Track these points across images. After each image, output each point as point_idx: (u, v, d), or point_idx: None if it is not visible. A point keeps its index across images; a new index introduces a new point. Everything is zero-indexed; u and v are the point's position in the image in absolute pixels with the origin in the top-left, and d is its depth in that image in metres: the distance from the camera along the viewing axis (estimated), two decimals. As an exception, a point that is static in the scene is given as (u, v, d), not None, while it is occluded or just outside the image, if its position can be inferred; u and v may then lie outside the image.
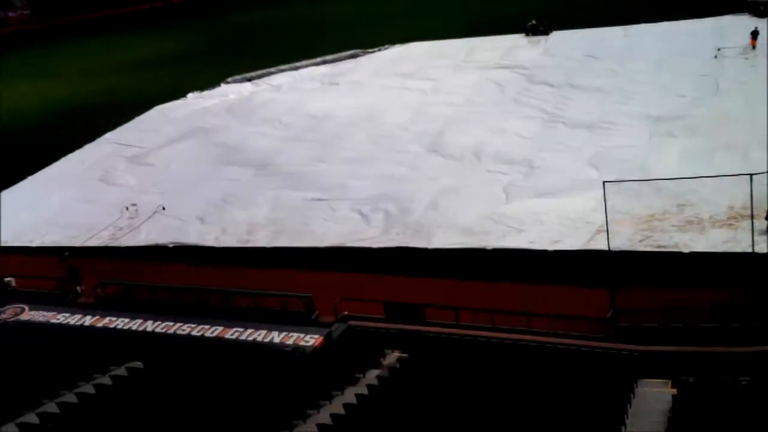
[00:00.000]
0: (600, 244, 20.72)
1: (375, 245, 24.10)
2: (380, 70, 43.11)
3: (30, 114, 44.80)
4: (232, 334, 20.14)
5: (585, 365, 17.04)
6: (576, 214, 23.62)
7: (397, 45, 47.65)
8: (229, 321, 20.44)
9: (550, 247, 22.23)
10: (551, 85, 35.99)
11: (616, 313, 18.22)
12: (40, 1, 78.60)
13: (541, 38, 44.31)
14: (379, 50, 47.14)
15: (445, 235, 23.97)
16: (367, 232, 25.02)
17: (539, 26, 44.88)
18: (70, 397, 17.32)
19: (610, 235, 19.51)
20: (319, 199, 27.67)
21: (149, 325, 21.06)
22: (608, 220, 19.43)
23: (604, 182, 19.45)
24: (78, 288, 23.46)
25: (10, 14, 76.10)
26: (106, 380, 18.31)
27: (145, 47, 59.13)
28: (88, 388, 17.73)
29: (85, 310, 21.99)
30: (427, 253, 23.31)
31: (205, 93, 42.93)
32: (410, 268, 22.65)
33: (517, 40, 44.73)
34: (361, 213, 26.25)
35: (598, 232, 21.55)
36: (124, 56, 56.89)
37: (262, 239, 25.47)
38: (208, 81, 44.41)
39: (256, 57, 49.59)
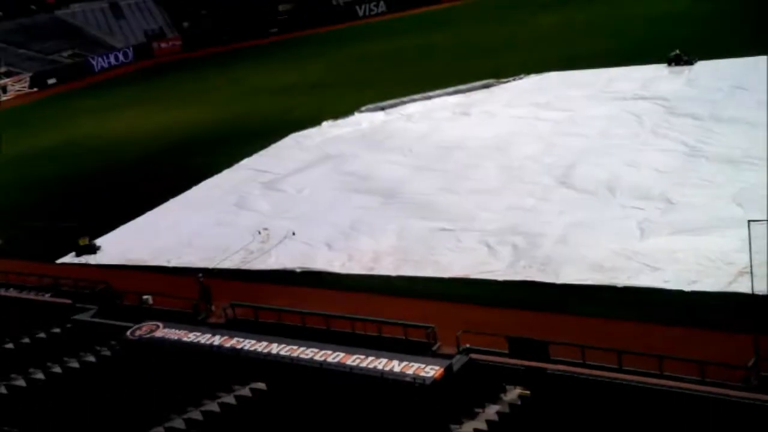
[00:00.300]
0: (742, 287, 19.43)
1: (500, 278, 23.68)
2: (513, 101, 42.59)
3: (177, 137, 47.07)
4: (353, 360, 20.10)
5: (722, 416, 15.92)
6: (716, 254, 22.32)
7: (532, 75, 46.88)
8: (352, 347, 20.48)
9: (687, 288, 21.11)
10: (694, 117, 34.36)
11: (758, 361, 16.97)
12: (190, 33, 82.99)
13: (685, 68, 42.48)
14: (514, 80, 46.55)
15: (573, 271, 23.22)
16: (493, 264, 24.60)
17: (683, 56, 43.07)
18: (196, 414, 17.84)
19: (754, 278, 18.22)
20: (446, 230, 27.49)
21: (274, 348, 21.33)
22: (753, 261, 18.16)
23: (749, 221, 18.21)
24: (210, 307, 24.22)
25: (162, 45, 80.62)
26: (230, 399, 18.76)
27: (283, 75, 61.04)
28: (213, 407, 18.21)
29: (215, 330, 22.58)
30: (554, 288, 22.69)
31: (339, 121, 43.77)
32: (536, 303, 22.13)
33: (658, 70, 43.07)
34: (487, 245, 25.85)
35: (741, 273, 20.26)
36: (264, 83, 58.89)
37: (387, 267, 25.54)
38: (343, 109, 45.23)
39: (389, 85, 50.22)
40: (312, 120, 44.10)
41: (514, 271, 23.91)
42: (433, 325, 20.59)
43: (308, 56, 68.71)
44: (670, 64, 43.23)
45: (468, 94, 45.46)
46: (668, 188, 27.62)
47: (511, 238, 25.91)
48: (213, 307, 24.18)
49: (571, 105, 39.48)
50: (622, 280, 22.22)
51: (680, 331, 19.52)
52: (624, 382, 17.57)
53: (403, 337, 20.80)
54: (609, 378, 17.73)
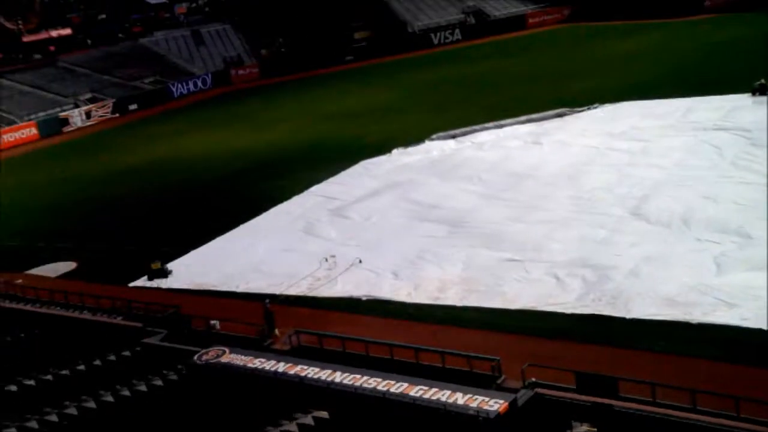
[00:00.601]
0: (825, 327, 18.59)
1: (569, 311, 23.14)
2: (587, 130, 41.86)
3: (249, 162, 48.00)
4: (417, 391, 19.84)
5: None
6: (798, 291, 21.38)
7: (606, 104, 46.09)
8: (415, 377, 20.25)
9: (767, 327, 20.20)
10: (777, 150, 33.16)
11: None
12: (268, 60, 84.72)
13: (771, 98, 40.97)
14: (588, 109, 45.85)
15: (645, 305, 22.53)
16: (562, 296, 24.07)
17: (768, 85, 41.61)
18: (258, 441, 17.87)
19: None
20: (513, 260, 27.08)
21: (338, 376, 21.21)
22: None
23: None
24: (275, 332, 24.33)
25: (240, 71, 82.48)
26: (293, 427, 18.75)
27: (357, 101, 61.72)
28: (275, 434, 18.22)
29: (280, 356, 22.62)
30: (625, 322, 22.05)
31: (410, 149, 43.81)
32: (606, 338, 21.53)
33: (741, 100, 41.55)
34: (556, 276, 25.35)
35: (824, 313, 19.35)
36: (337, 109, 59.62)
37: (453, 297, 25.28)
38: (414, 136, 45.30)
39: (462, 112, 50.20)
40: (382, 147, 44.34)
41: (583, 304, 23.34)
42: (498, 358, 20.20)
43: (382, 83, 69.38)
44: (754, 94, 41.71)
45: (540, 123, 44.99)
46: (747, 222, 26.59)
47: (580, 270, 25.35)
48: (277, 332, 24.27)
49: (646, 135, 38.55)
50: (696, 316, 21.45)
51: (759, 372, 18.66)
52: (697, 423, 16.86)
53: (468, 369, 20.45)
54: (681, 418, 17.02)
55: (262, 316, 24.44)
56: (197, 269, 31.16)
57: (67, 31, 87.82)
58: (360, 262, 28.92)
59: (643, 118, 41.68)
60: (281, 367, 22.03)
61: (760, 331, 20.23)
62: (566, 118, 45.19)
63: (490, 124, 45.57)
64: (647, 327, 21.67)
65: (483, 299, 24.76)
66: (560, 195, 32.66)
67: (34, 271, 33.80)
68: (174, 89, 78.68)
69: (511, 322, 23.22)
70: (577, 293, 24.04)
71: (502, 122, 45.67)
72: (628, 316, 22.22)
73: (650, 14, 72.89)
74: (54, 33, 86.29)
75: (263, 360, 22.46)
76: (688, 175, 32.39)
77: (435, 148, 43.48)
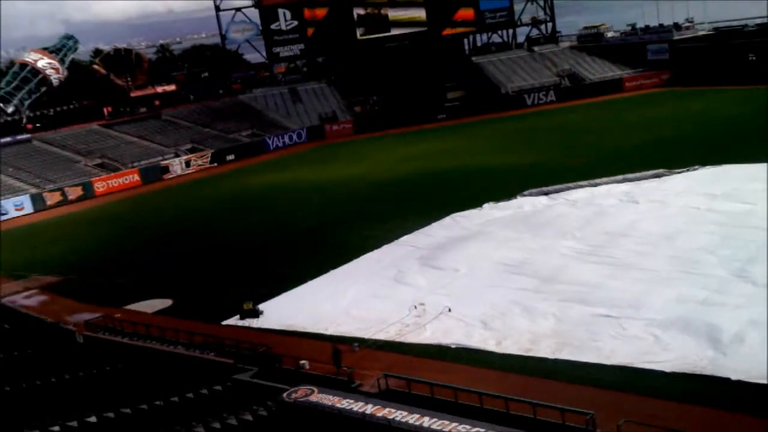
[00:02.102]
0: None
1: (668, 369, 22.27)
2: (686, 191, 40.67)
3: (343, 211, 48.89)
4: (507, 440, 19.38)
5: None
6: None
7: (708, 166, 44.81)
8: (506, 427, 19.76)
9: None
10: None
11: None
12: (361, 116, 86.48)
13: None
14: (687, 170, 44.74)
15: (751, 368, 21.47)
16: (660, 355, 23.20)
17: None
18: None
19: None
20: (609, 316, 26.34)
21: (426, 421, 20.90)
22: None
23: None
24: (345, 369, 24.31)
25: (334, 127, 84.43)
26: (379, 469, 18.49)
27: (448, 158, 62.11)
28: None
29: (368, 398, 22.48)
30: (728, 384, 21.07)
31: (501, 204, 43.59)
32: (706, 399, 20.60)
33: None
34: (654, 334, 24.50)
35: None
36: (428, 164, 60.10)
37: (545, 350, 24.70)
38: (504, 192, 45.13)
39: (556, 169, 49.95)
40: (473, 200, 44.32)
41: (684, 363, 22.43)
42: (592, 412, 19.54)
43: (473, 137, 70.16)
44: None
45: (637, 182, 44.13)
46: None
47: (681, 329, 24.46)
48: (344, 370, 24.33)
49: (752, 198, 36.92)
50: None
51: None
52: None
53: (560, 422, 19.83)
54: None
55: (331, 355, 24.63)
56: (288, 311, 31.49)
57: (172, 87, 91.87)
58: (449, 310, 28.70)
59: (748, 181, 39.96)
60: (369, 408, 21.87)
61: None
62: (664, 178, 44.19)
63: (584, 182, 44.98)
64: (752, 390, 20.65)
65: (577, 353, 24.11)
66: (658, 254, 31.72)
67: (133, 306, 34.83)
68: (270, 142, 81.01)
69: (607, 377, 22.51)
70: (678, 352, 23.13)
71: (597, 180, 45.03)
72: (732, 378, 21.23)
73: (757, 79, 70.78)
74: (159, 89, 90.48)
75: (351, 401, 22.34)
76: (797, 238, 31.06)
77: (527, 203, 43.10)
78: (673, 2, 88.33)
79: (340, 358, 24.88)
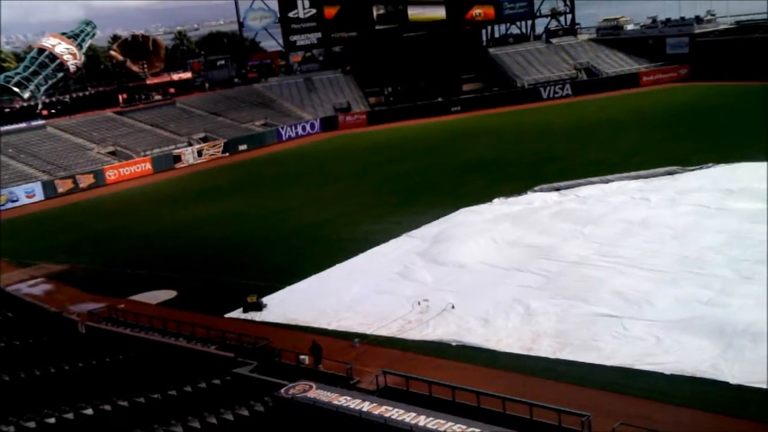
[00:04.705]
0: None
1: (668, 371, 22.02)
2: (698, 189, 40.23)
3: (347, 207, 48.63)
4: (502, 441, 19.21)
5: None
6: None
7: (721, 164, 44.24)
8: (502, 427, 19.59)
9: None
10: None
11: None
12: (375, 108, 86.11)
13: None
14: (700, 168, 44.22)
15: (753, 372, 21.19)
16: (661, 356, 22.96)
17: None
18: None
19: None
20: (611, 316, 26.11)
21: (422, 420, 20.77)
22: None
23: None
24: (318, 366, 24.22)
25: (347, 118, 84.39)
26: (373, 467, 18.38)
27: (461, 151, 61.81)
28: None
29: (365, 395, 22.38)
30: (728, 387, 20.78)
31: (511, 199, 43.27)
32: (707, 403, 20.33)
33: None
34: (656, 336, 24.24)
35: None
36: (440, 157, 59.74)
37: (546, 349, 24.51)
38: (517, 188, 44.81)
39: (568, 164, 49.59)
40: (483, 195, 44.02)
41: (685, 365, 22.16)
42: (588, 414, 19.34)
43: (485, 135, 69.50)
44: None
45: (649, 180, 43.67)
46: None
47: (683, 330, 24.18)
48: (321, 367, 24.27)
49: (765, 197, 36.37)
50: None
51: None
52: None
53: (556, 424, 19.65)
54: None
55: (309, 348, 24.67)
56: (291, 305, 31.42)
57: (188, 75, 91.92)
58: (453, 307, 28.52)
59: (761, 180, 39.19)
60: (366, 406, 21.74)
61: None
62: (677, 176, 43.72)
63: (596, 179, 44.58)
64: (756, 395, 20.36)
65: (577, 353, 23.92)
66: (665, 253, 31.41)
67: (137, 297, 34.89)
68: (283, 132, 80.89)
69: (605, 378, 22.29)
70: (678, 354, 22.87)
71: (609, 177, 44.60)
72: (733, 382, 20.95)
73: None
74: (175, 76, 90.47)
75: (348, 398, 22.22)
76: (808, 239, 30.60)
77: (537, 199, 42.77)
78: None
79: (321, 353, 24.77)
